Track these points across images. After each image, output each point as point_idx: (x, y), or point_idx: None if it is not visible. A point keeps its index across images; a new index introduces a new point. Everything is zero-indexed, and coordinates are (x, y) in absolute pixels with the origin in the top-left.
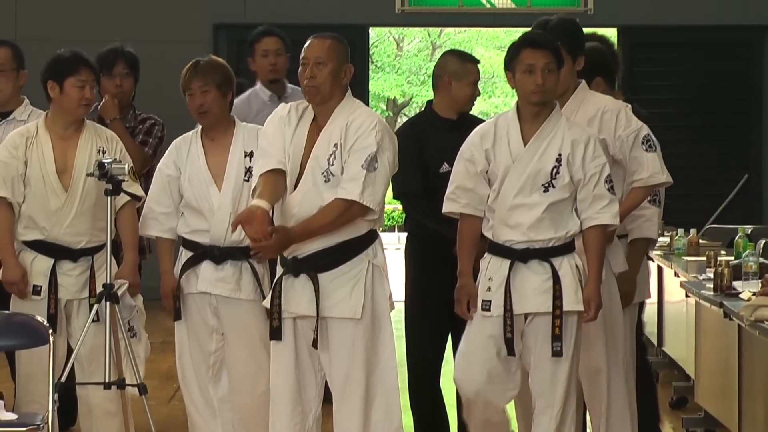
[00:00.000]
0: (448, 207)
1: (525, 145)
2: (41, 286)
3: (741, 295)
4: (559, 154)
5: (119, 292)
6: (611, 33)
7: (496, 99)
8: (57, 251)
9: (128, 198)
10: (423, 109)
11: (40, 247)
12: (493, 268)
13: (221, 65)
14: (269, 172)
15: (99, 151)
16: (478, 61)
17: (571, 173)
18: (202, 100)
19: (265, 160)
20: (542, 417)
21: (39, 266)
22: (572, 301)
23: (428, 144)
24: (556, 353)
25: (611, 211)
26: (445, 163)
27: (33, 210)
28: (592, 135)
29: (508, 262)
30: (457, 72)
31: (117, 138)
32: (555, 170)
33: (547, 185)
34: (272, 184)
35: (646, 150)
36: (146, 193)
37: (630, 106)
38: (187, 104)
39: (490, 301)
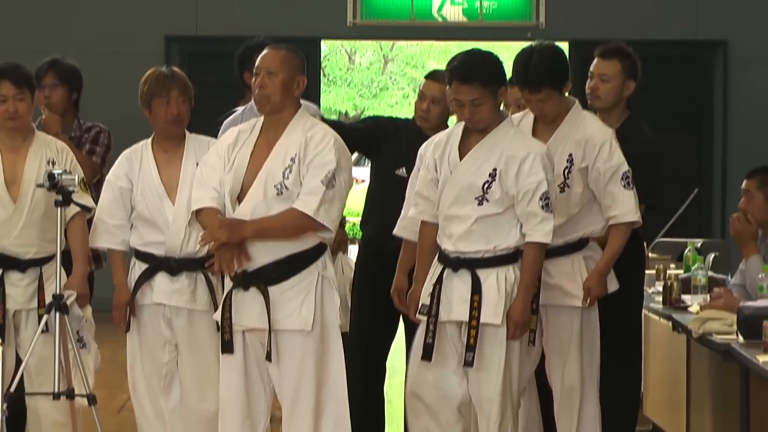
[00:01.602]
0: (410, 212)
1: (461, 158)
2: None
3: (690, 309)
4: (494, 169)
5: (68, 303)
6: (563, 47)
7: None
8: (4, 262)
9: (78, 209)
10: None
11: None
12: (433, 274)
13: (188, 80)
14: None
15: (49, 162)
16: (432, 77)
17: (505, 189)
18: (178, 110)
19: (199, 192)
20: (480, 427)
21: None
22: (490, 314)
23: (393, 140)
24: (467, 363)
25: (543, 229)
26: (403, 168)
27: None
28: (532, 151)
29: (440, 269)
30: (437, 95)
31: (68, 149)
32: (487, 185)
33: (480, 198)
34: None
35: (624, 186)
36: (96, 202)
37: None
38: (154, 111)
39: (425, 306)
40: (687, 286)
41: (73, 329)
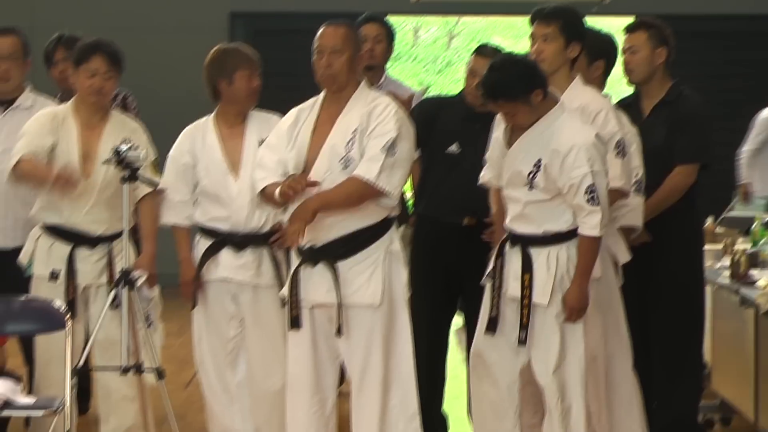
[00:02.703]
0: (484, 174)
1: (510, 144)
2: (60, 271)
3: (757, 283)
4: (539, 160)
5: (137, 284)
6: (628, 21)
7: None
8: (75, 238)
9: (150, 188)
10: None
11: (59, 232)
12: (497, 247)
13: None
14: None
15: (123, 142)
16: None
17: (551, 180)
18: (256, 84)
19: (262, 174)
20: (549, 413)
21: (58, 252)
22: (539, 294)
23: (441, 119)
24: (521, 342)
25: (590, 222)
26: (454, 145)
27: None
28: (577, 144)
29: (503, 241)
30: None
31: (142, 130)
32: (531, 175)
33: (528, 185)
34: None
35: (615, 155)
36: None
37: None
38: (237, 83)
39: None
40: (755, 260)
41: (142, 309)
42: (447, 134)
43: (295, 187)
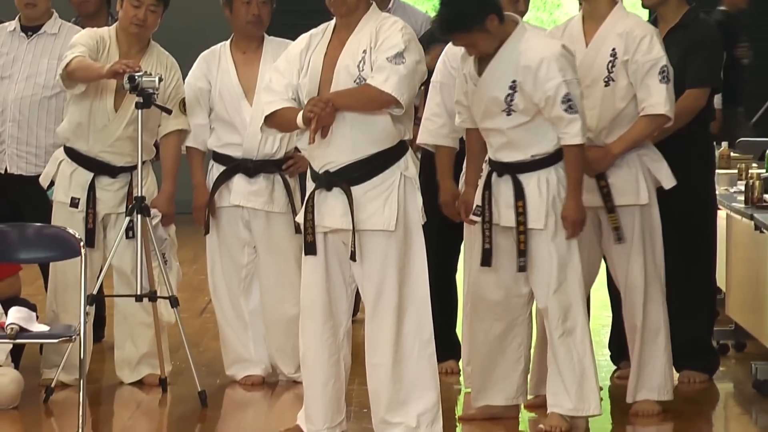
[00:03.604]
0: (455, 120)
1: (480, 73)
2: (79, 199)
3: None
4: (513, 81)
5: (152, 223)
6: None
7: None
8: (96, 167)
9: (176, 126)
10: None
11: (82, 159)
12: (483, 178)
13: None
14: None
15: (157, 78)
16: None
17: (528, 98)
18: (259, 10)
19: (270, 97)
20: (547, 328)
21: (78, 179)
22: (533, 219)
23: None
24: (520, 268)
25: (571, 131)
26: None
27: (83, 118)
28: (545, 56)
29: (488, 172)
30: None
31: (177, 67)
32: (509, 97)
33: (507, 110)
34: None
35: (660, 81)
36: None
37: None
38: (236, 11)
39: (479, 207)
40: None
41: (157, 248)
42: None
43: (317, 108)
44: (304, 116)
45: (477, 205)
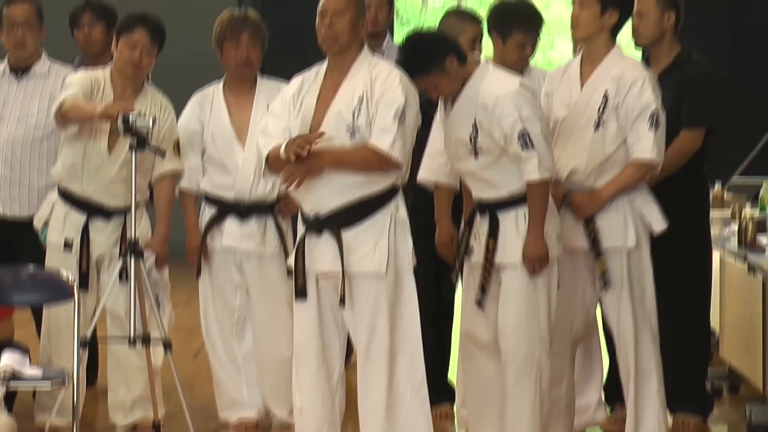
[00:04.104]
0: (444, 160)
1: (446, 114)
2: (73, 241)
3: (766, 250)
4: (475, 120)
5: (146, 266)
6: None
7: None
8: (90, 208)
9: (168, 168)
10: None
11: (76, 201)
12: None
13: (262, 23)
14: None
15: (151, 119)
16: (479, 19)
17: (489, 137)
18: (248, 53)
19: (266, 140)
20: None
21: (72, 221)
22: (506, 254)
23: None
24: (478, 303)
25: (528, 168)
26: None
27: (77, 159)
28: (500, 94)
29: (470, 211)
30: (454, 31)
31: (171, 109)
32: (473, 138)
33: (473, 151)
34: None
35: (649, 127)
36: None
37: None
38: (226, 54)
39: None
40: (762, 226)
41: (150, 291)
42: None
43: (303, 145)
44: (288, 150)
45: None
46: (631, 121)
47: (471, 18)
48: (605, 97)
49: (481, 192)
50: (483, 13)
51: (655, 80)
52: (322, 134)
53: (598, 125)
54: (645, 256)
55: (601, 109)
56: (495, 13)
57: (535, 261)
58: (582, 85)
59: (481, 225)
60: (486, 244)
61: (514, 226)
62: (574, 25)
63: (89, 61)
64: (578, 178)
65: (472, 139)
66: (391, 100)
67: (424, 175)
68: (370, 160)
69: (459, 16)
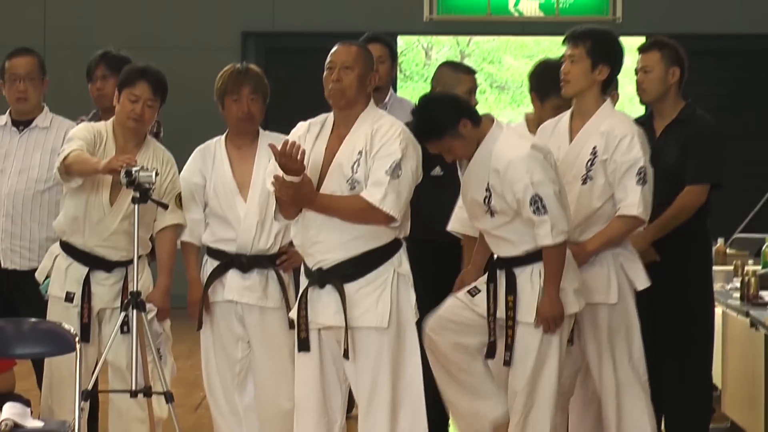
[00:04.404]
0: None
1: (462, 172)
2: (75, 294)
3: None
4: (488, 184)
5: (148, 318)
6: (639, 41)
7: (525, 108)
8: (92, 261)
9: (172, 221)
10: None
11: (77, 253)
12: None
13: (265, 77)
14: None
15: (154, 172)
16: (473, 71)
17: (502, 199)
18: (249, 107)
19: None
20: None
21: (74, 273)
22: (523, 312)
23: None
24: (506, 362)
25: (540, 233)
26: (438, 167)
27: (79, 212)
28: (512, 158)
29: (491, 266)
30: (449, 83)
31: (173, 162)
32: (486, 199)
33: (488, 211)
34: None
35: (636, 182)
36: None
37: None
38: (227, 108)
39: (477, 290)
40: (765, 282)
41: (152, 343)
42: (430, 157)
43: (289, 151)
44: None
45: (475, 286)
46: (619, 177)
47: (466, 70)
48: (594, 152)
49: (497, 249)
50: (486, 65)
51: (644, 136)
52: (298, 146)
53: (585, 179)
54: (630, 310)
55: (589, 164)
56: (535, 75)
57: (550, 321)
58: (571, 140)
59: (500, 281)
60: (506, 301)
61: (529, 283)
62: (566, 80)
63: (104, 115)
64: None
65: (486, 201)
66: (387, 154)
67: (454, 226)
68: (360, 210)
69: (454, 68)
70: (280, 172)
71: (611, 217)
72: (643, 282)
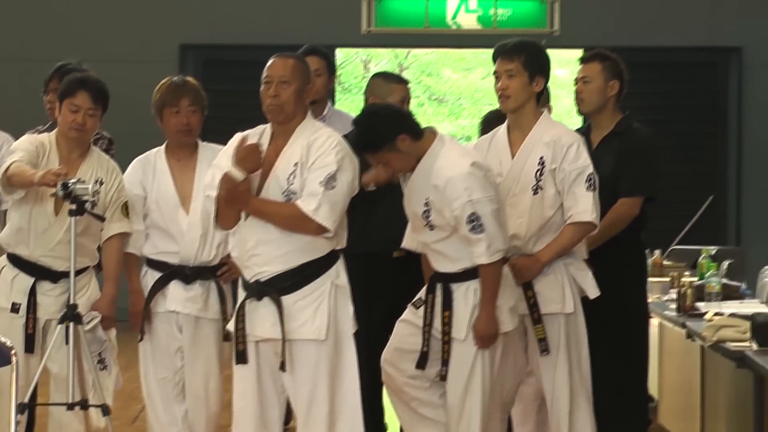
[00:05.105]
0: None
1: (404, 186)
2: (20, 305)
3: (704, 316)
4: (426, 198)
5: (91, 325)
6: (577, 54)
7: (463, 120)
8: (38, 272)
9: (118, 230)
10: None
11: (23, 264)
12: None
13: (201, 89)
14: None
15: (97, 182)
16: (405, 81)
17: (441, 216)
18: (188, 119)
19: (214, 192)
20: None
21: (20, 284)
22: (455, 328)
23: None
24: (442, 377)
25: (477, 251)
26: (373, 183)
27: (23, 223)
28: (452, 176)
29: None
30: (381, 93)
31: (118, 171)
32: (426, 214)
33: (428, 225)
34: None
35: (586, 189)
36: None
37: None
38: (166, 120)
39: (421, 300)
40: (701, 293)
41: (93, 352)
42: (363, 173)
43: (246, 149)
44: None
45: (419, 297)
46: (569, 185)
47: (397, 80)
48: (541, 162)
49: (436, 263)
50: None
51: (586, 144)
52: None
53: (536, 190)
54: (580, 321)
55: (538, 174)
56: (486, 122)
57: (486, 339)
58: (513, 153)
59: (437, 296)
60: (442, 317)
61: (464, 300)
62: (505, 96)
63: (55, 126)
64: (518, 244)
65: (425, 215)
66: (322, 166)
67: (408, 243)
68: (293, 217)
69: (385, 78)
70: (215, 184)
71: (560, 226)
72: (594, 291)
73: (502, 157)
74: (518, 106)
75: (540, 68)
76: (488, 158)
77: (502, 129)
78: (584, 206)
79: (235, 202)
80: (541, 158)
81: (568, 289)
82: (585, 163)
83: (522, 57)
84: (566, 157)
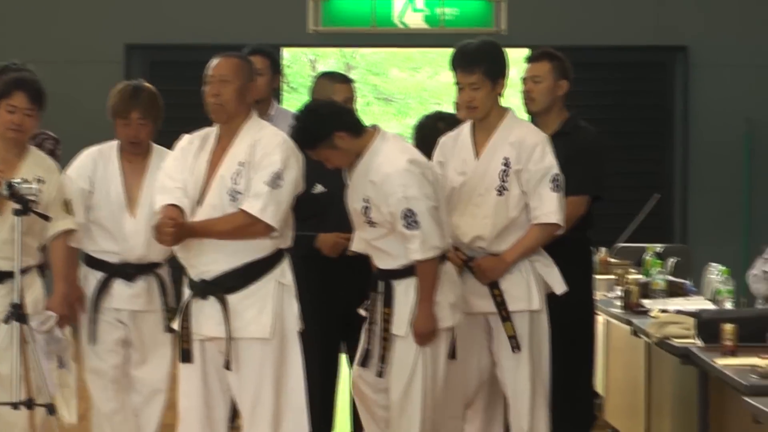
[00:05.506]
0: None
1: (346, 185)
2: None
3: (649, 313)
4: (366, 195)
5: (47, 325)
6: (524, 53)
7: (410, 119)
8: None
9: (62, 227)
10: None
11: None
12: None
13: (158, 97)
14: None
15: (37, 180)
16: (350, 80)
17: (379, 212)
18: (137, 132)
19: (162, 196)
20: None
21: None
22: (395, 325)
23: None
24: (379, 374)
25: (412, 246)
26: (319, 185)
27: None
28: (389, 171)
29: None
30: (326, 93)
31: (58, 170)
32: (365, 210)
33: (368, 221)
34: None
35: (552, 189)
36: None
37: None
38: (117, 128)
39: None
40: (646, 290)
41: (51, 352)
42: (310, 175)
43: (165, 241)
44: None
45: (367, 302)
46: (534, 185)
47: (342, 79)
48: (506, 163)
49: (378, 260)
50: (372, 77)
51: (551, 143)
52: (175, 222)
53: (501, 190)
54: (544, 319)
55: (503, 174)
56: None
57: (424, 335)
58: (477, 153)
59: (379, 292)
60: (382, 314)
61: (404, 296)
62: (472, 107)
63: None
64: (482, 244)
65: (365, 211)
66: (267, 165)
67: (357, 246)
68: (240, 225)
69: (330, 78)
70: (171, 179)
71: (525, 225)
72: (560, 287)
73: (467, 156)
74: (485, 114)
75: (500, 72)
76: (453, 157)
77: (466, 128)
78: (549, 207)
79: (181, 241)
80: (506, 159)
81: (534, 286)
82: (550, 164)
83: (482, 67)
84: (532, 158)
